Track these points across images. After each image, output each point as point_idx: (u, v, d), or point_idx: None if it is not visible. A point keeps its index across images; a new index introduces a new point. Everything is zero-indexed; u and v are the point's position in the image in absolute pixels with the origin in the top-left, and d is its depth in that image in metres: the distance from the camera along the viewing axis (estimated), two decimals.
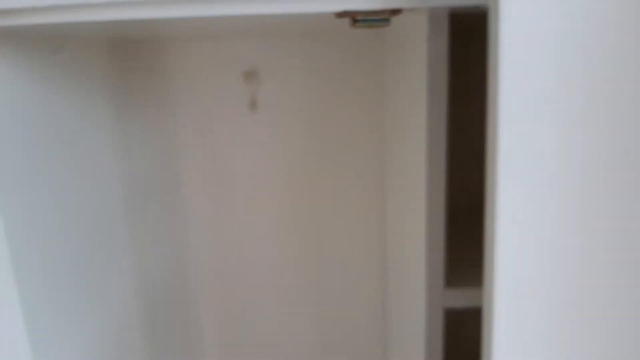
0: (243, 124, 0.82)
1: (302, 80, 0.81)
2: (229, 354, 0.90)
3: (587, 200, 0.32)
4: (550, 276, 0.33)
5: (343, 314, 0.88)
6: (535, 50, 0.30)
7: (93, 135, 0.67)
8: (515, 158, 0.31)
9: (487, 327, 0.34)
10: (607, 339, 0.34)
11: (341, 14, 0.46)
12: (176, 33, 0.69)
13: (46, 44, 0.55)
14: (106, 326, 0.68)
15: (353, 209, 0.84)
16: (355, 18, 0.47)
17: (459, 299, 0.57)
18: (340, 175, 0.83)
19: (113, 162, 0.73)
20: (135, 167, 0.79)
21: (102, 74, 0.71)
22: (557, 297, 0.33)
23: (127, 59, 0.77)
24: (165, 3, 0.42)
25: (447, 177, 0.52)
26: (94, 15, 0.43)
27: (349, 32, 0.73)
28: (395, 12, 0.46)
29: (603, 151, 0.32)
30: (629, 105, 0.31)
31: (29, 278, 0.50)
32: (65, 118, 0.60)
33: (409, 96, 0.59)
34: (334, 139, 0.83)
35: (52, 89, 0.57)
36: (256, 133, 0.82)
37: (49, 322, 0.54)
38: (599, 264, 0.33)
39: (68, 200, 0.59)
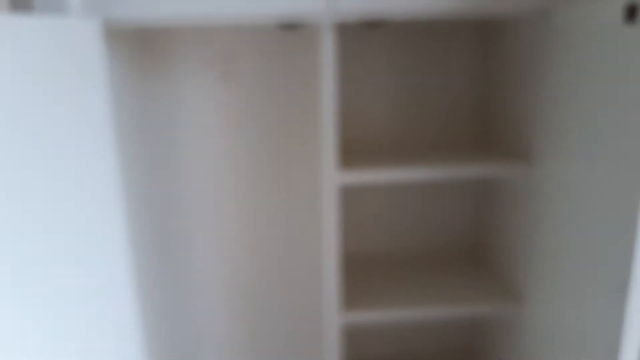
0: (216, 92, 1.13)
1: (265, 64, 1.12)
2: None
3: None
4: None
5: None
6: None
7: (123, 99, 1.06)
8: None
9: None
10: None
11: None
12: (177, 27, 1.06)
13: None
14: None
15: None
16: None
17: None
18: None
19: (133, 117, 1.11)
20: (148, 122, 1.14)
21: (126, 57, 1.09)
22: None
23: (139, 48, 1.10)
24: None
25: None
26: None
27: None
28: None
29: None
30: None
31: None
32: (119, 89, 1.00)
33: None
34: (283, 108, 1.14)
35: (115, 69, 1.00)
36: (226, 98, 1.14)
37: None
38: None
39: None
